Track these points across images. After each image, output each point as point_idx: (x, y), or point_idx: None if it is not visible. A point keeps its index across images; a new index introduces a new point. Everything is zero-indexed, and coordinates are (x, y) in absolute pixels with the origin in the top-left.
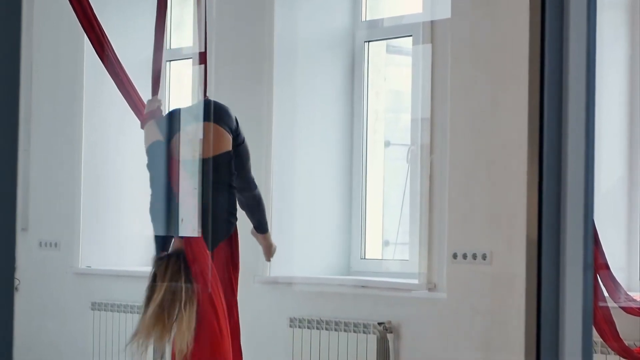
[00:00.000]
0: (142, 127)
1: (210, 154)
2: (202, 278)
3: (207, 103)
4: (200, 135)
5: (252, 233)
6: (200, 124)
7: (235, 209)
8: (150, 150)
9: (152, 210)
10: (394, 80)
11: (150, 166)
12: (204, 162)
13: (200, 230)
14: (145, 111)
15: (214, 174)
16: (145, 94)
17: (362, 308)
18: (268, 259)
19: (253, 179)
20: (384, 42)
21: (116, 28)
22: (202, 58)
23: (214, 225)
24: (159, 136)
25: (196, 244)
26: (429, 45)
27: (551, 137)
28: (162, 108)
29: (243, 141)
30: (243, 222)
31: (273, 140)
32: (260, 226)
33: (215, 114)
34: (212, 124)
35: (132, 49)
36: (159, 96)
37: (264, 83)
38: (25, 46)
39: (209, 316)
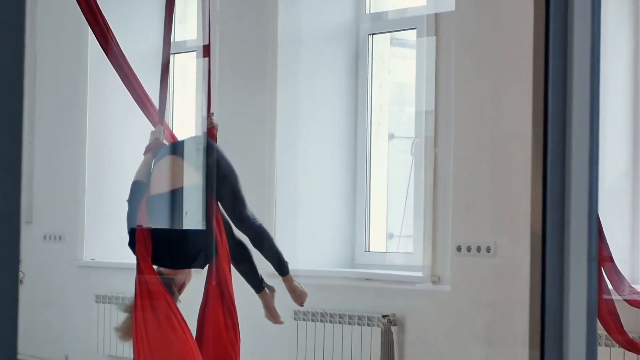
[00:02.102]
0: (144, 153)
1: (173, 187)
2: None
3: (189, 140)
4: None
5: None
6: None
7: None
8: (133, 187)
9: (131, 243)
10: (398, 73)
11: (130, 202)
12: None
13: (204, 223)
14: (149, 141)
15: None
16: (148, 87)
17: (366, 301)
18: (299, 304)
19: (248, 216)
20: (388, 34)
21: (120, 21)
22: (206, 51)
23: (204, 242)
24: (144, 176)
25: (147, 271)
26: (433, 38)
27: (555, 129)
28: (162, 139)
29: (223, 178)
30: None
31: (277, 133)
32: (276, 267)
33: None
34: (176, 158)
35: (136, 42)
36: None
37: (267, 76)
38: (29, 39)
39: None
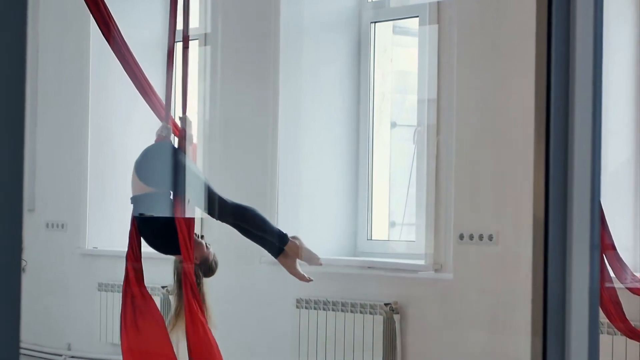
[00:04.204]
0: None
1: (134, 193)
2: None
3: (146, 151)
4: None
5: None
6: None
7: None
8: None
9: None
10: (401, 61)
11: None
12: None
13: (207, 212)
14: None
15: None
16: (150, 75)
17: (368, 289)
18: (317, 264)
19: (218, 210)
20: (391, 23)
21: (122, 9)
22: (186, 42)
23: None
24: None
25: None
26: (436, 26)
27: (558, 117)
28: (165, 135)
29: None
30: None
31: (279, 122)
32: (272, 238)
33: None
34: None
35: (138, 31)
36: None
37: (270, 65)
38: (32, 27)
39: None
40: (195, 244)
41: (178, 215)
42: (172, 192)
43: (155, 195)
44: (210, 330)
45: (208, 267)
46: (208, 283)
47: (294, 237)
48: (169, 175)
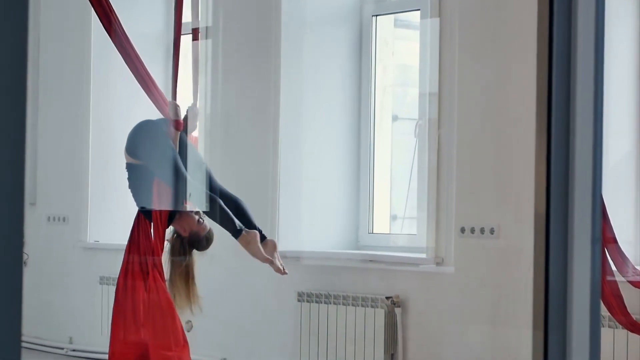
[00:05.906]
0: None
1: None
2: None
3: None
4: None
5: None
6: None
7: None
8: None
9: None
10: (402, 55)
11: None
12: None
13: (208, 205)
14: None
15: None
16: (152, 70)
17: (369, 282)
18: (265, 262)
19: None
20: (392, 16)
21: (123, 4)
22: (195, 34)
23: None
24: None
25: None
26: (437, 19)
27: (559, 110)
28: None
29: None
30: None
31: (280, 115)
32: (231, 231)
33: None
34: None
35: (139, 25)
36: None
37: (271, 58)
38: (33, 20)
39: None
40: (185, 217)
41: (156, 194)
42: (156, 167)
43: (137, 167)
44: (178, 315)
45: (198, 242)
46: (200, 260)
47: (247, 233)
48: (144, 150)
